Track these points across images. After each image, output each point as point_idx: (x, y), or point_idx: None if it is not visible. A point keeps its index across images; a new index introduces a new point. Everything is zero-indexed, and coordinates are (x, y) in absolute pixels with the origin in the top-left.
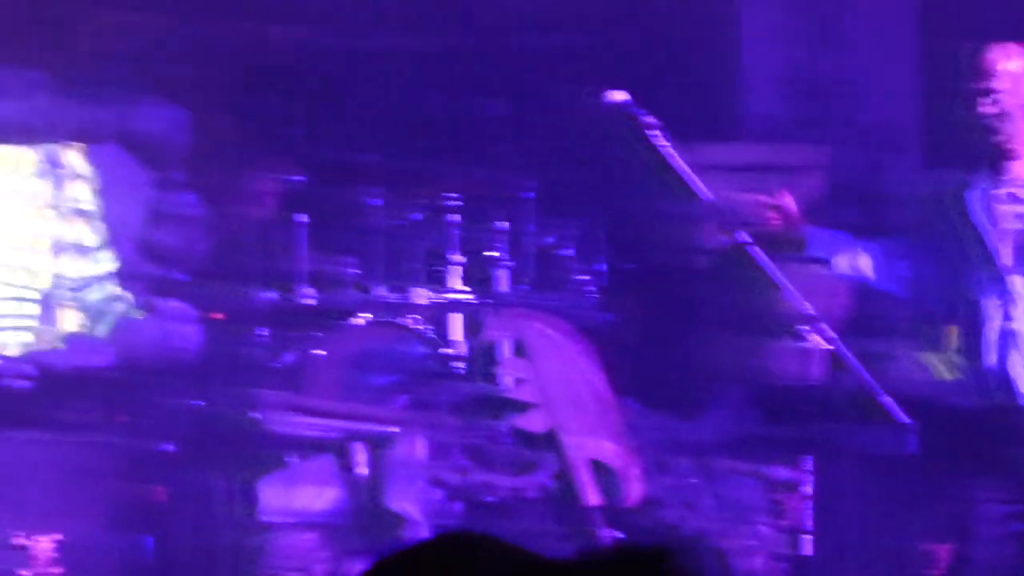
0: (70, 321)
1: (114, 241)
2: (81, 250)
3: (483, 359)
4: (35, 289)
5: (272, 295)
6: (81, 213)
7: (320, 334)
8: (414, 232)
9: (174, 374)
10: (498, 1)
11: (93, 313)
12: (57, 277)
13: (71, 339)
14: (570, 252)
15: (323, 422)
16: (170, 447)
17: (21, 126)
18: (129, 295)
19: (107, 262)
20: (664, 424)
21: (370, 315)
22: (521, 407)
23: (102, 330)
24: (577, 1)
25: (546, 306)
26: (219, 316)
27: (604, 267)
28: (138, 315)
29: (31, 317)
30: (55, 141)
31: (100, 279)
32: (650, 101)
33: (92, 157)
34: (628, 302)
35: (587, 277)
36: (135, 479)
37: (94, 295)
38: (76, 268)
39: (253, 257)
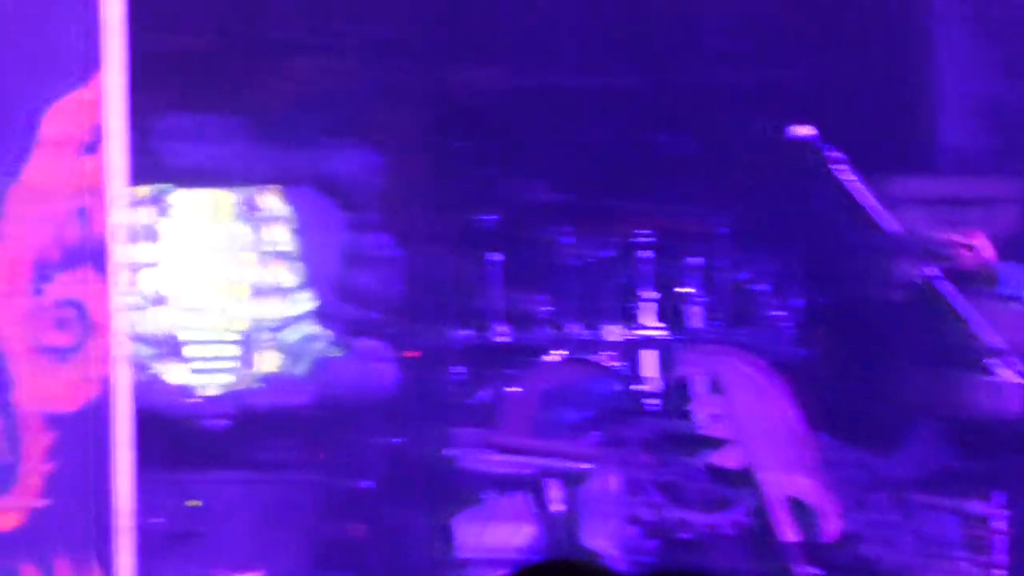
0: (269, 361)
1: (311, 282)
2: (279, 291)
3: (677, 395)
4: (235, 331)
5: (467, 333)
6: (279, 255)
7: (514, 371)
8: (607, 269)
9: (371, 412)
10: (688, 38)
11: (291, 353)
12: (256, 318)
13: (270, 379)
14: (765, 287)
15: (518, 459)
16: (368, 484)
17: (220, 171)
18: (327, 334)
19: (305, 303)
20: (860, 459)
21: (564, 352)
22: (716, 443)
23: (300, 369)
24: (769, 36)
25: (740, 342)
26: (415, 355)
27: (799, 302)
28: (336, 354)
29: (231, 359)
30: (252, 185)
31: (298, 319)
32: (842, 134)
33: (288, 200)
34: (823, 337)
35: (782, 313)
36: (334, 517)
37: (292, 335)
38: (275, 309)
39: (448, 296)
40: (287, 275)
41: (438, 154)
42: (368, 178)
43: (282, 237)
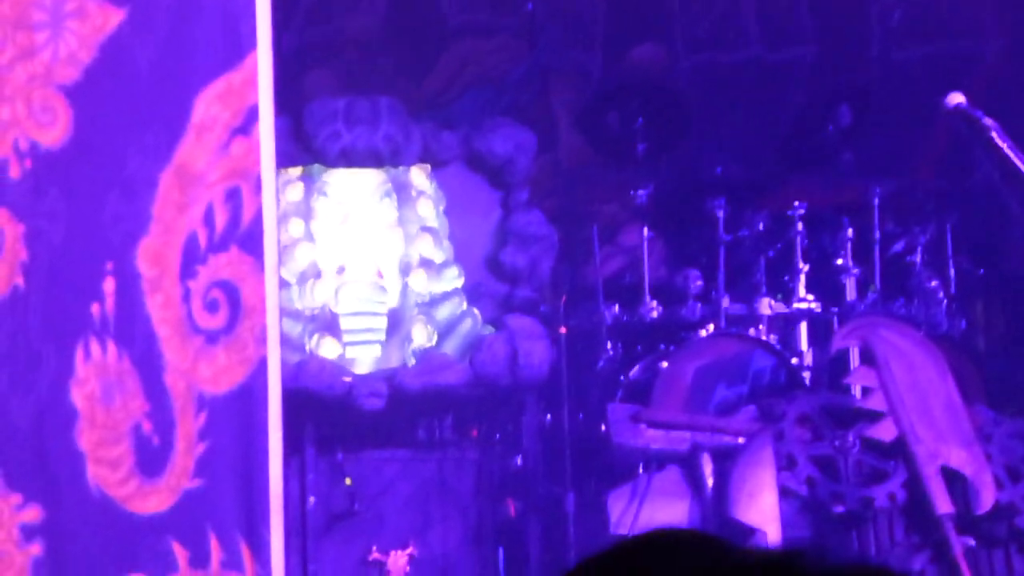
0: (419, 337)
1: (461, 259)
2: (428, 267)
3: (831, 369)
4: (384, 305)
5: (619, 309)
6: (427, 231)
7: (667, 347)
8: (758, 242)
9: (524, 390)
10: (846, 11)
11: (442, 330)
12: (406, 294)
13: (421, 356)
14: (919, 258)
15: (671, 434)
16: (523, 462)
17: (372, 151)
18: (477, 312)
19: (454, 279)
20: (1016, 430)
21: (715, 327)
22: (870, 416)
23: (451, 347)
24: (929, 11)
25: (896, 313)
26: (565, 331)
27: (955, 273)
28: (487, 332)
29: (379, 331)
30: (403, 164)
31: (448, 296)
32: (1006, 105)
33: (438, 178)
34: (979, 308)
35: (936, 283)
36: (488, 494)
37: (443, 312)
38: (424, 285)
39: (599, 273)
40: (436, 251)
41: (590, 130)
42: (519, 156)
43: (429, 213)
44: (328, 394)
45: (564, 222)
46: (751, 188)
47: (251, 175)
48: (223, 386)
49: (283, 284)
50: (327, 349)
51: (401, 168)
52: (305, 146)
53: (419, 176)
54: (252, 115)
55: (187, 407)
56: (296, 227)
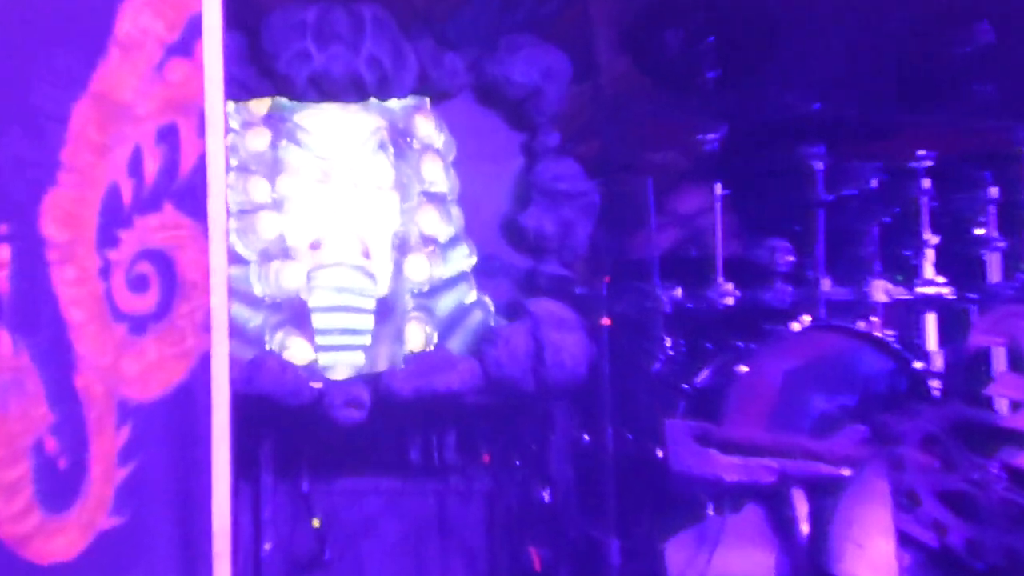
0: (415, 335)
1: (474, 230)
2: (431, 247)
3: (969, 374)
4: (371, 296)
5: (681, 292)
6: (431, 197)
7: (744, 344)
8: (869, 204)
9: (553, 398)
10: None
11: (447, 323)
12: (399, 280)
13: (416, 358)
14: None
15: (751, 462)
16: (549, 496)
17: (351, 78)
18: (489, 303)
19: (462, 259)
20: None
21: (811, 317)
22: (1020, 440)
23: (459, 344)
24: None
25: None
26: (609, 322)
27: None
28: (505, 322)
29: (364, 332)
30: (392, 96)
31: (456, 281)
32: None
33: (445, 117)
34: None
35: None
36: (503, 539)
37: (448, 301)
38: (423, 268)
39: (654, 243)
40: (441, 224)
41: (646, 52)
42: (548, 87)
43: (435, 173)
44: (292, 402)
45: (607, 174)
46: (859, 132)
47: (192, 109)
48: (153, 390)
49: (238, 259)
50: (295, 345)
51: (400, 108)
52: (263, 71)
53: (425, 123)
54: (193, 29)
55: (105, 418)
56: (258, 187)
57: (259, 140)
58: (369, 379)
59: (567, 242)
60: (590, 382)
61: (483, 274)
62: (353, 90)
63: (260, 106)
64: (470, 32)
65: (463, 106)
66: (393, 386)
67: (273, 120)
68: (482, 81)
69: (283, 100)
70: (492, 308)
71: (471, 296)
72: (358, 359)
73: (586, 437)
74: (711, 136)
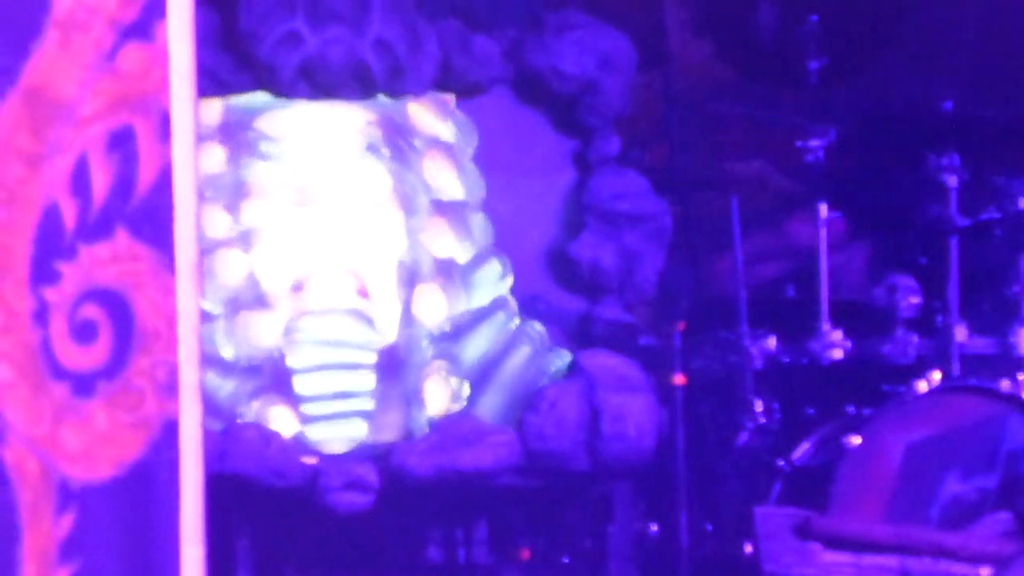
0: (438, 392)
1: (505, 257)
2: (448, 275)
3: None
4: (371, 348)
5: (771, 343)
6: (443, 208)
7: (856, 410)
8: (1017, 230)
9: (611, 479)
10: None
11: (478, 373)
12: (409, 323)
13: (437, 427)
14: None
15: (864, 560)
16: None
17: (355, 68)
18: (527, 347)
19: (493, 281)
20: None
21: (942, 375)
22: None
23: (489, 407)
24: None
25: None
26: (683, 381)
27: None
28: (549, 379)
29: (363, 395)
30: (408, 92)
31: (484, 314)
32: None
33: (474, 118)
34: None
35: None
36: None
37: (477, 342)
38: (439, 304)
39: (741, 280)
40: (459, 241)
41: (731, 37)
42: (604, 78)
43: (449, 180)
44: (278, 484)
45: (680, 192)
46: (1004, 137)
47: (152, 108)
48: (103, 469)
49: (209, 299)
50: (278, 424)
51: (402, 101)
52: (242, 59)
53: (424, 113)
54: (155, 5)
55: (41, 503)
56: (216, 220)
57: (211, 158)
58: (377, 455)
59: (630, 279)
60: (659, 458)
61: (524, 313)
62: (356, 84)
63: (209, 112)
64: (507, 10)
65: (497, 104)
66: (407, 464)
67: (228, 131)
68: (522, 73)
69: (238, 104)
70: (537, 357)
71: (511, 327)
72: (358, 430)
73: (654, 528)
74: (814, 143)
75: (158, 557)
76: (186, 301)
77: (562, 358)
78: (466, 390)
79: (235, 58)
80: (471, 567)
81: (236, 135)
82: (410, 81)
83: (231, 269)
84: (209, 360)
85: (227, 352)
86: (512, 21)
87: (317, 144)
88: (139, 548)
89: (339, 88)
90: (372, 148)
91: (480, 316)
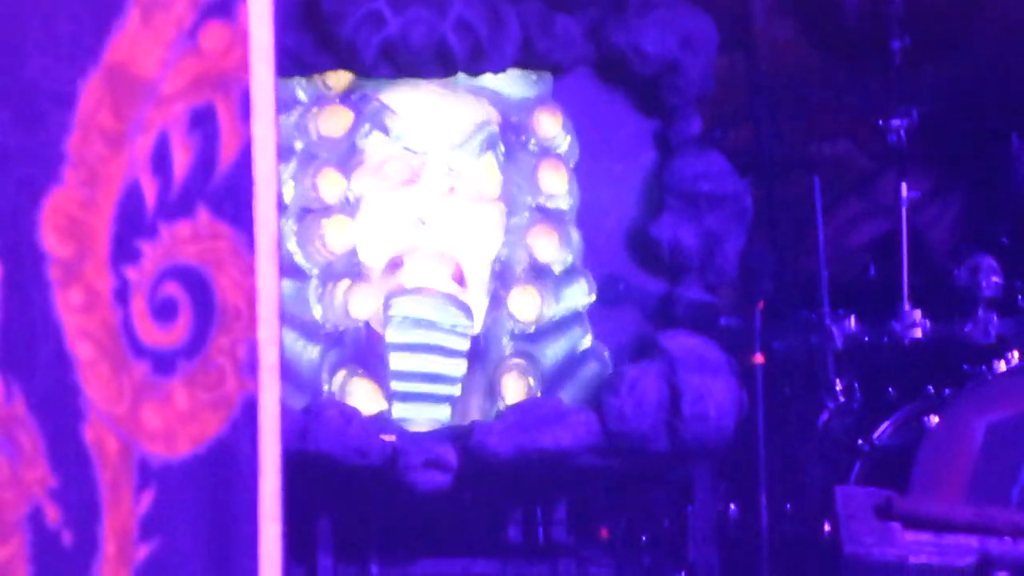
0: (514, 387)
1: (589, 244)
2: (541, 279)
3: None
4: (464, 335)
5: (852, 323)
6: (548, 215)
7: (936, 390)
8: None
9: (691, 459)
10: None
11: (553, 375)
12: (497, 318)
13: (517, 408)
14: None
15: (945, 539)
16: None
17: (436, 47)
18: (606, 353)
19: (579, 296)
20: None
21: (1023, 355)
22: None
23: (572, 393)
24: None
25: None
26: (763, 361)
27: None
28: (629, 364)
29: (454, 380)
30: (488, 69)
31: (566, 324)
32: None
33: (556, 98)
34: None
35: None
36: None
37: (555, 349)
38: (531, 306)
39: (822, 261)
40: (559, 250)
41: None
42: (689, 59)
43: (563, 186)
44: (358, 463)
45: (763, 172)
46: None
47: (233, 86)
48: (183, 446)
49: (295, 273)
50: (360, 398)
51: (519, 98)
52: (324, 39)
53: (549, 120)
54: None
55: (122, 481)
56: (329, 183)
57: (335, 122)
58: (457, 434)
59: (711, 259)
60: (739, 438)
61: (604, 302)
62: (438, 63)
63: (338, 79)
64: None
65: (579, 84)
66: (487, 443)
67: (354, 98)
68: (604, 52)
69: (362, 80)
70: (608, 358)
71: (585, 343)
72: (443, 413)
73: (733, 508)
74: (896, 123)
75: (237, 535)
76: (266, 280)
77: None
78: (539, 391)
79: (317, 38)
80: (550, 546)
81: (359, 104)
82: (491, 60)
83: (335, 235)
84: (295, 322)
85: (316, 315)
86: (594, 1)
87: (436, 127)
88: (218, 526)
89: (420, 67)
90: (490, 143)
91: (561, 325)
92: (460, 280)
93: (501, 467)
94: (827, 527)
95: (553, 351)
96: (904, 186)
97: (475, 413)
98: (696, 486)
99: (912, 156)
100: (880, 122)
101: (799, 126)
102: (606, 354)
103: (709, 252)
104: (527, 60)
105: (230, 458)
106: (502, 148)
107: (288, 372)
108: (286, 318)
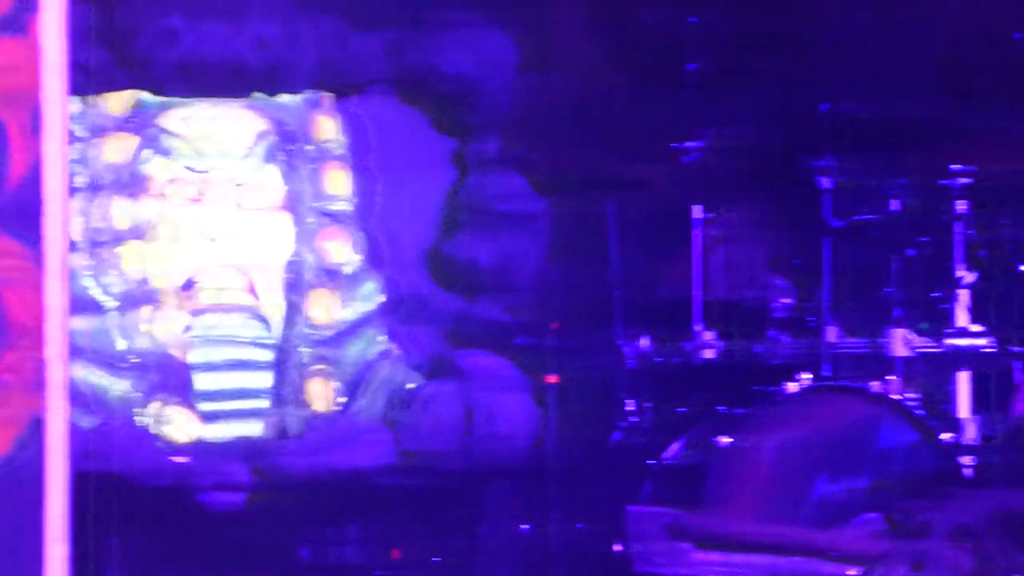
0: (319, 394)
1: (385, 262)
2: (333, 281)
3: (1013, 450)
4: (266, 347)
5: (644, 343)
6: (334, 218)
7: (728, 410)
8: (891, 232)
9: (486, 478)
10: None
11: (352, 380)
12: (295, 325)
13: (314, 426)
14: None
15: (735, 559)
16: None
17: (233, 65)
18: (399, 350)
19: (369, 297)
20: None
21: (813, 376)
22: None
23: (370, 408)
24: None
25: None
26: (557, 380)
27: None
28: (426, 381)
29: (261, 394)
30: (288, 90)
31: (359, 325)
32: None
33: (355, 117)
34: None
35: None
36: None
37: (352, 351)
38: (328, 308)
39: (617, 281)
40: (348, 250)
41: (612, 37)
42: (488, 77)
43: (340, 187)
44: (148, 483)
45: (561, 193)
46: (879, 139)
47: (23, 102)
48: None
49: (91, 307)
50: (177, 425)
51: (293, 105)
52: (118, 56)
53: (325, 124)
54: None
55: None
56: (118, 211)
57: (118, 148)
58: (250, 453)
59: (508, 279)
60: (532, 457)
61: (398, 320)
62: (234, 82)
63: (117, 104)
64: (388, 8)
65: (378, 103)
66: (280, 463)
67: (135, 123)
68: (402, 71)
69: (145, 97)
70: (405, 361)
71: (379, 345)
72: (255, 428)
73: (525, 527)
74: (691, 145)
75: (22, 555)
76: (55, 297)
77: (428, 372)
78: (342, 395)
79: (110, 54)
80: (341, 567)
81: (140, 129)
82: (289, 80)
83: (129, 261)
84: (99, 356)
85: (120, 346)
86: (393, 19)
87: (215, 144)
88: (4, 546)
89: (216, 86)
90: (269, 152)
91: (356, 327)
92: (254, 293)
93: (294, 486)
94: (619, 546)
95: (351, 353)
96: (698, 208)
97: (279, 425)
98: (489, 505)
99: (706, 178)
100: (675, 144)
101: (599, 147)
102: (397, 352)
103: (505, 272)
104: (325, 79)
105: (16, 477)
106: (282, 157)
107: (97, 406)
108: (90, 353)
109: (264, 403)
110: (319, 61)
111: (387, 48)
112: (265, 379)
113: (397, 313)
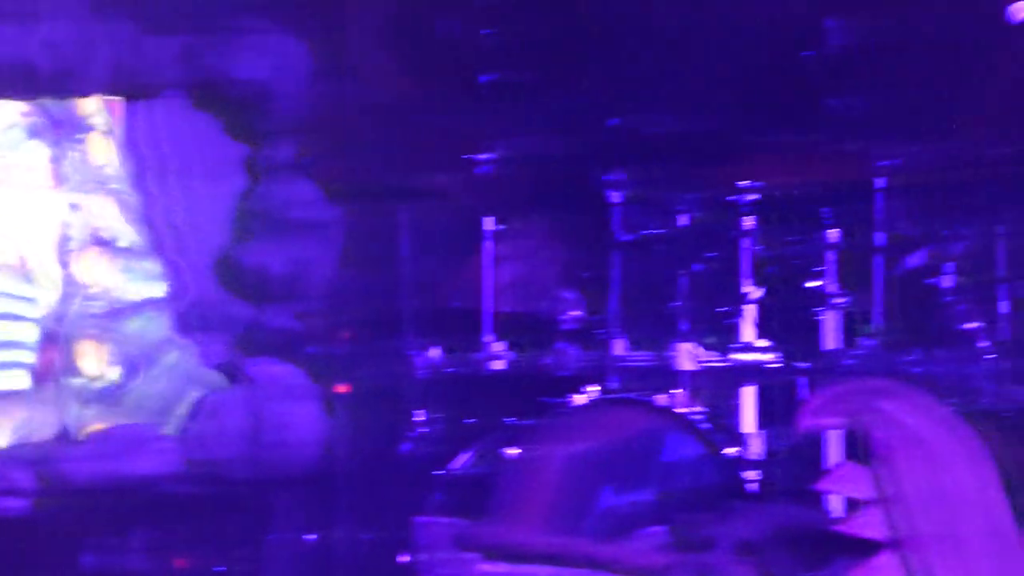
0: (91, 360)
1: (163, 242)
2: (107, 249)
3: (799, 464)
4: (33, 303)
5: (435, 353)
6: (103, 186)
7: (516, 421)
8: (678, 247)
9: (271, 488)
10: None
11: (131, 359)
12: (69, 292)
13: (100, 433)
14: (950, 281)
15: (523, 570)
16: None
17: (21, 69)
18: (190, 347)
19: (150, 278)
20: None
21: (600, 388)
22: (860, 548)
23: (148, 410)
24: None
25: (910, 372)
26: (348, 389)
27: (1007, 306)
28: (214, 387)
29: (27, 346)
30: (78, 94)
31: (140, 307)
32: None
33: (147, 122)
34: None
35: (978, 324)
36: None
37: (130, 328)
38: (97, 270)
39: (408, 289)
40: (120, 220)
41: (408, 47)
42: (282, 84)
43: (109, 156)
44: None
45: (354, 201)
46: (668, 154)
47: None
48: None
49: None
50: None
51: (69, 99)
52: None
53: (85, 101)
54: None
55: None
56: None
57: None
58: (34, 458)
59: (299, 286)
60: (320, 467)
61: (189, 326)
62: (22, 84)
63: None
64: (182, 12)
65: (171, 108)
66: (65, 469)
67: None
68: (195, 76)
69: None
70: (200, 363)
71: (163, 329)
72: (22, 381)
73: (312, 537)
74: (483, 156)
75: None
76: None
77: (215, 378)
78: (118, 372)
79: None
80: (124, 575)
81: None
82: (80, 83)
83: None
84: None
85: None
86: (187, 24)
87: None
88: None
89: (4, 88)
90: (31, 130)
91: (136, 308)
92: (24, 263)
93: (79, 493)
94: (405, 557)
95: (131, 328)
96: (490, 219)
97: (55, 390)
98: (275, 514)
99: (498, 189)
100: (468, 155)
101: (392, 155)
102: (200, 351)
103: (296, 279)
104: (117, 83)
105: None
106: (49, 134)
107: None
108: None
109: (30, 356)
110: (111, 64)
111: (180, 52)
112: (31, 332)
113: (186, 319)
